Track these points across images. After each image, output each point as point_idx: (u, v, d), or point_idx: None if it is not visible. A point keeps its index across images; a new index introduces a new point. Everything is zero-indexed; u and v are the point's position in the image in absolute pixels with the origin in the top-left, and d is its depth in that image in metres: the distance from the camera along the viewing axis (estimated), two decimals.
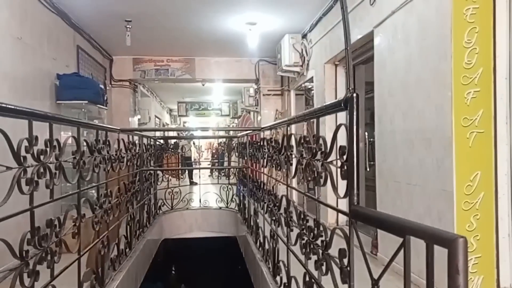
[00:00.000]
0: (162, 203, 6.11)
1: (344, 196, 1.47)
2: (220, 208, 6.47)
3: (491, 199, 2.77)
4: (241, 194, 5.64)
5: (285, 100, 8.45)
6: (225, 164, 10.94)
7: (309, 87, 7.15)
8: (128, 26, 6.08)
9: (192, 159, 11.66)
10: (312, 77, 6.26)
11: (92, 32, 6.76)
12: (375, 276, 1.25)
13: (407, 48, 3.38)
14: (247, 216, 4.87)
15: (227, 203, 6.44)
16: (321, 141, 1.77)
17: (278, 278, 2.82)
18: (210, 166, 12.59)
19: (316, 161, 1.82)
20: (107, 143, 2.85)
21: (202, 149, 19.20)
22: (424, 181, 3.10)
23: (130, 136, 4.34)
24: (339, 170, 1.58)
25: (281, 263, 2.73)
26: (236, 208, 6.14)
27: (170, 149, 8.75)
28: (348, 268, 1.42)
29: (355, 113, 1.41)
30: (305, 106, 7.97)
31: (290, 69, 6.68)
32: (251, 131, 5.02)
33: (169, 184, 6.67)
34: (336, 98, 5.66)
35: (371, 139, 4.56)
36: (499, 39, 2.79)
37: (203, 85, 9.75)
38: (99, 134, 2.90)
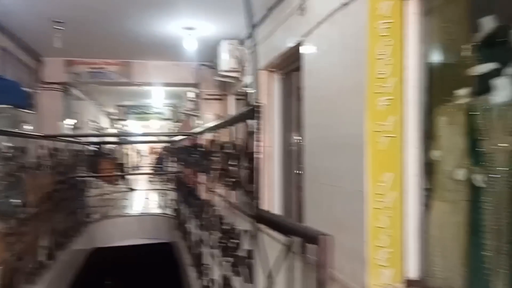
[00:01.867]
0: (94, 211, 5.89)
1: (251, 200, 1.54)
2: (157, 214, 6.37)
3: (400, 197, 3.02)
4: (177, 199, 5.59)
5: (225, 105, 8.52)
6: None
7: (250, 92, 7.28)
8: (57, 27, 5.80)
9: (130, 165, 11.29)
10: (250, 83, 6.38)
11: (19, 33, 6.38)
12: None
13: (330, 58, 3.59)
14: (181, 222, 4.84)
15: (164, 209, 6.36)
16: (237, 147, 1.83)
17: (203, 281, 2.86)
18: (146, 172, 12.28)
19: (231, 166, 1.89)
20: (24, 150, 2.72)
21: (142, 153, 18.68)
22: (344, 183, 3.30)
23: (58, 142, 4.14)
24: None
25: (205, 267, 2.76)
26: (173, 214, 6.08)
27: (104, 155, 8.44)
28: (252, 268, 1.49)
29: (259, 122, 1.49)
30: None
31: (228, 75, 6.77)
32: (185, 136, 5.00)
33: (104, 190, 6.45)
34: (270, 104, 5.83)
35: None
36: (408, 51, 3.05)
37: (141, 88, 9.54)
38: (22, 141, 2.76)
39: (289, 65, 5.30)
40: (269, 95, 5.84)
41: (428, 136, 3.07)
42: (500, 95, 2.45)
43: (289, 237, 1.07)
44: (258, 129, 1.49)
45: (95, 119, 14.00)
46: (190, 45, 6.36)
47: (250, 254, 1.53)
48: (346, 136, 3.28)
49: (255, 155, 1.49)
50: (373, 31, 2.99)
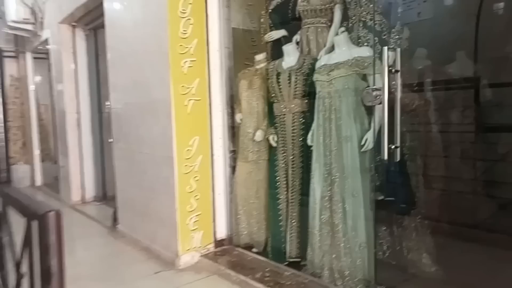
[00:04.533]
0: None
1: None
2: None
3: (208, 161, 3.06)
4: None
5: (21, 64, 7.15)
6: None
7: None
8: None
9: None
10: (48, 39, 5.45)
11: None
12: None
13: (133, 13, 3.27)
14: None
15: None
16: None
17: None
18: None
19: None
20: None
21: None
22: (153, 149, 3.14)
23: None
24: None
25: None
26: None
27: None
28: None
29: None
30: (49, 72, 6.97)
31: (19, 27, 5.61)
32: None
33: None
34: (75, 64, 5.12)
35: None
36: (210, 13, 3.00)
37: None
38: None
39: (95, 20, 4.69)
40: (73, 53, 5.11)
41: (232, 100, 3.17)
42: (288, 61, 2.64)
43: (25, 217, 0.84)
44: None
45: None
46: None
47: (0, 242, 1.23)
48: (154, 100, 3.09)
49: None
50: None
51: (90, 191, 5.19)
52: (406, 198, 2.49)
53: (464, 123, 3.20)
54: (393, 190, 2.48)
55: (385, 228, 2.61)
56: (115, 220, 3.80)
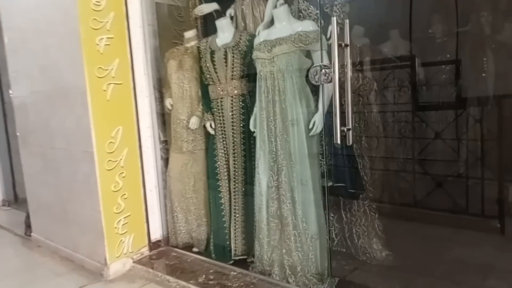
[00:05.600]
0: None
1: None
2: None
3: (136, 154, 2.68)
4: None
5: None
6: None
7: None
8: None
9: None
10: None
11: None
12: None
13: None
14: None
15: None
16: None
17: None
18: None
19: None
20: None
21: None
22: (68, 144, 2.68)
23: None
24: None
25: None
26: None
27: None
28: None
29: None
30: None
31: None
32: None
33: None
34: None
35: None
36: None
37: None
38: None
39: None
40: None
41: (160, 83, 2.80)
42: (222, 37, 2.34)
43: None
44: None
45: None
46: None
47: None
48: (65, 86, 2.61)
49: None
50: None
51: None
52: (354, 183, 2.36)
53: (401, 102, 3.18)
54: (341, 175, 2.34)
55: (333, 215, 2.48)
56: (28, 227, 3.26)
